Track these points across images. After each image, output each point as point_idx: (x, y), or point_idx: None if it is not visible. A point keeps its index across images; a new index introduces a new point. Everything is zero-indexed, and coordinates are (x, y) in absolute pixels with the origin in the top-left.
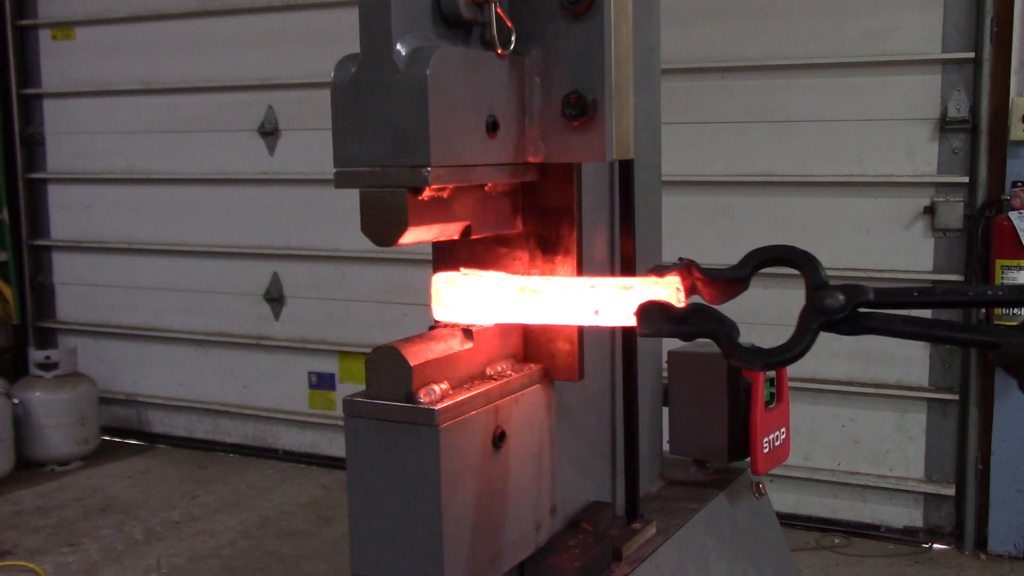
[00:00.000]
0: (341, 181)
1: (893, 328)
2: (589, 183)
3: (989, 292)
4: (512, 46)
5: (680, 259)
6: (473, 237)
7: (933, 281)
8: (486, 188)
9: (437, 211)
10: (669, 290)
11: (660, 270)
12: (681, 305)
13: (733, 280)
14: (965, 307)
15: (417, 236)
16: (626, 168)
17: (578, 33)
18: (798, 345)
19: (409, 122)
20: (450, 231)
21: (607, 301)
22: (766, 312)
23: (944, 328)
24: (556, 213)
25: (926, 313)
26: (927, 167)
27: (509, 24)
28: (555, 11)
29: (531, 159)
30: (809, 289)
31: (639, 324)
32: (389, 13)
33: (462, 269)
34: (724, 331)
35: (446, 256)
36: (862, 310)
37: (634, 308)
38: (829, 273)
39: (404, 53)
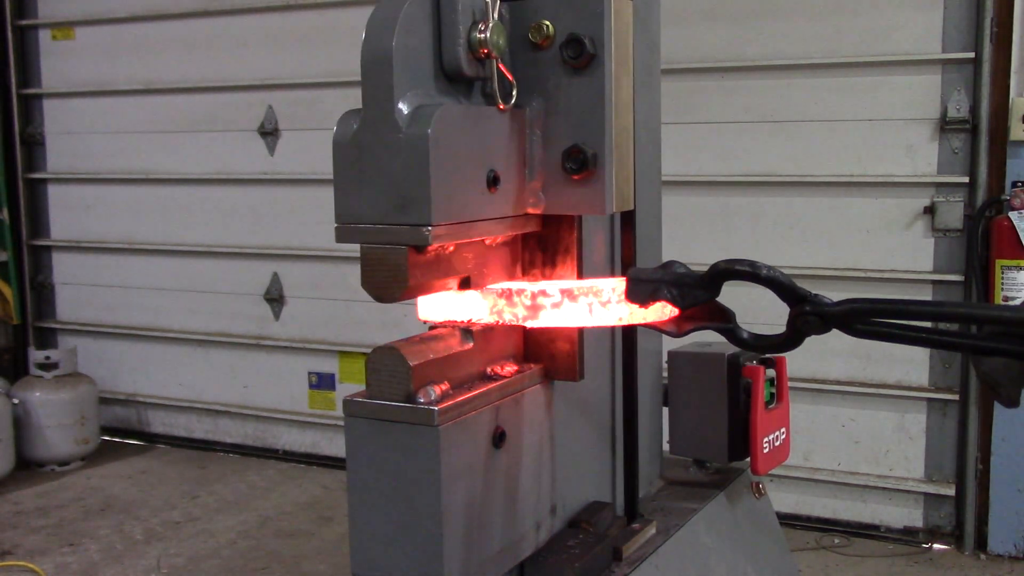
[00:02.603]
0: (342, 236)
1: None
2: None
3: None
4: (513, 100)
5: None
6: (472, 289)
7: (933, 282)
8: (486, 241)
9: (437, 267)
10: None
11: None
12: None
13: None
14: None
15: (418, 292)
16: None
17: (579, 87)
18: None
19: (410, 180)
20: (450, 284)
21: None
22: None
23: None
24: (556, 214)
25: None
26: (927, 167)
27: (511, 78)
28: (556, 65)
29: (531, 210)
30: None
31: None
32: (391, 71)
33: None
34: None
35: None
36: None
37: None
38: (829, 273)
39: (406, 112)
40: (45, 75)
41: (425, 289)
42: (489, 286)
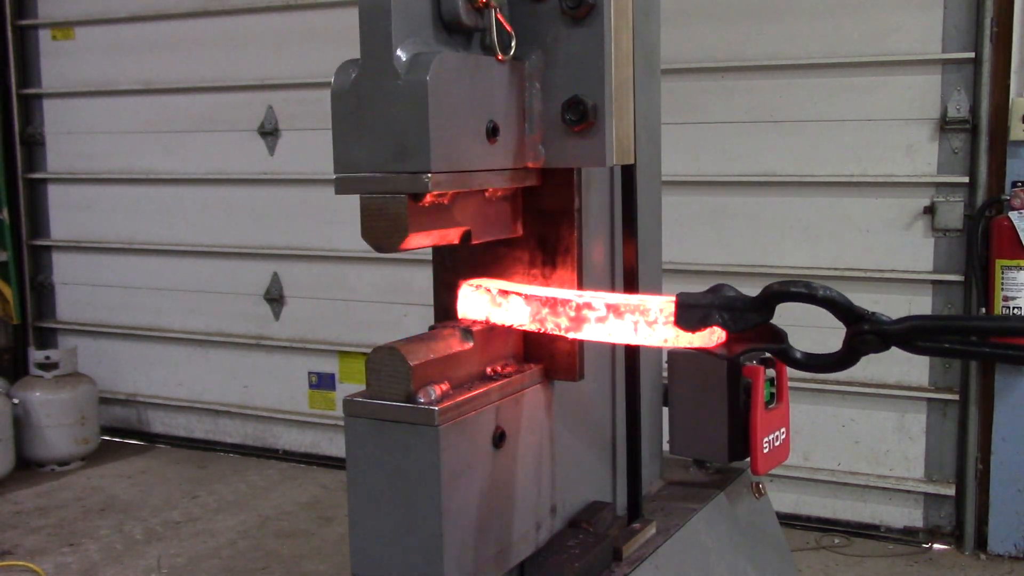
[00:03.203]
0: (341, 187)
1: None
2: (589, 184)
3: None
4: (512, 51)
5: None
6: (474, 242)
7: (933, 282)
8: (486, 193)
9: (437, 217)
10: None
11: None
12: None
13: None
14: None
15: (417, 242)
16: (627, 172)
17: (578, 38)
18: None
19: (409, 128)
20: (450, 236)
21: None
22: None
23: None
24: (556, 215)
25: None
26: (927, 167)
27: (509, 29)
28: (555, 16)
29: (531, 164)
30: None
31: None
32: (389, 19)
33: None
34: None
35: (447, 258)
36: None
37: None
38: (829, 273)
39: (404, 59)
40: (45, 75)
41: (425, 240)
42: (533, 293)
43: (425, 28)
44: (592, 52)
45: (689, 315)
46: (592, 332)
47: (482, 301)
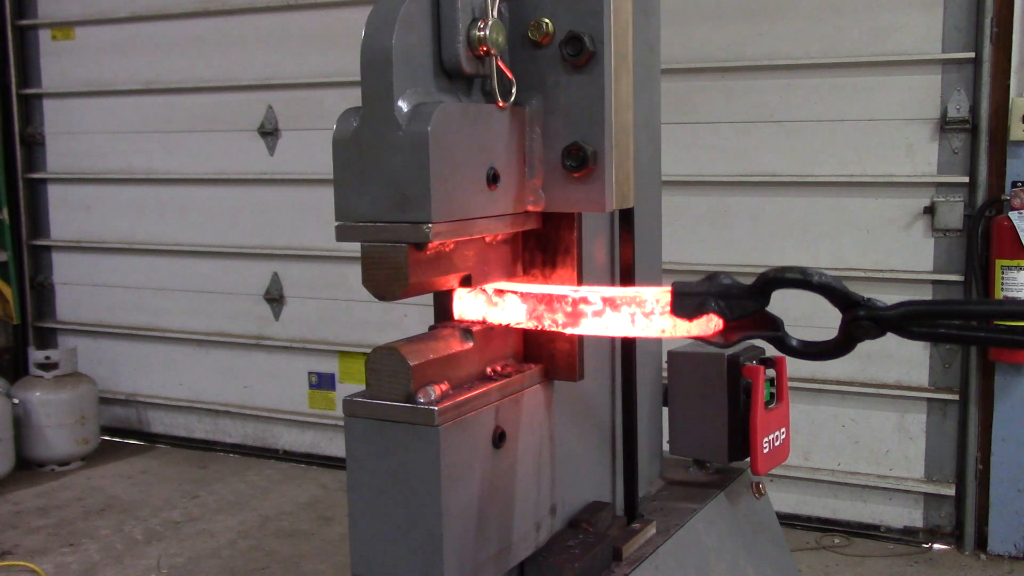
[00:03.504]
0: (342, 235)
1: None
2: None
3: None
4: (513, 98)
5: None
6: (473, 287)
7: (933, 282)
8: (487, 238)
9: (438, 264)
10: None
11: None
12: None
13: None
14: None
15: (419, 290)
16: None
17: (578, 85)
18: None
19: (410, 178)
20: (451, 282)
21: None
22: None
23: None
24: (556, 215)
25: None
26: (927, 167)
27: (510, 76)
28: (556, 62)
29: (531, 208)
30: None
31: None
32: (391, 69)
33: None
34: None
35: None
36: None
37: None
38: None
39: (406, 109)
40: (45, 75)
41: (426, 287)
42: (529, 291)
43: (426, 77)
44: (592, 99)
45: (685, 304)
46: (589, 326)
47: (478, 302)
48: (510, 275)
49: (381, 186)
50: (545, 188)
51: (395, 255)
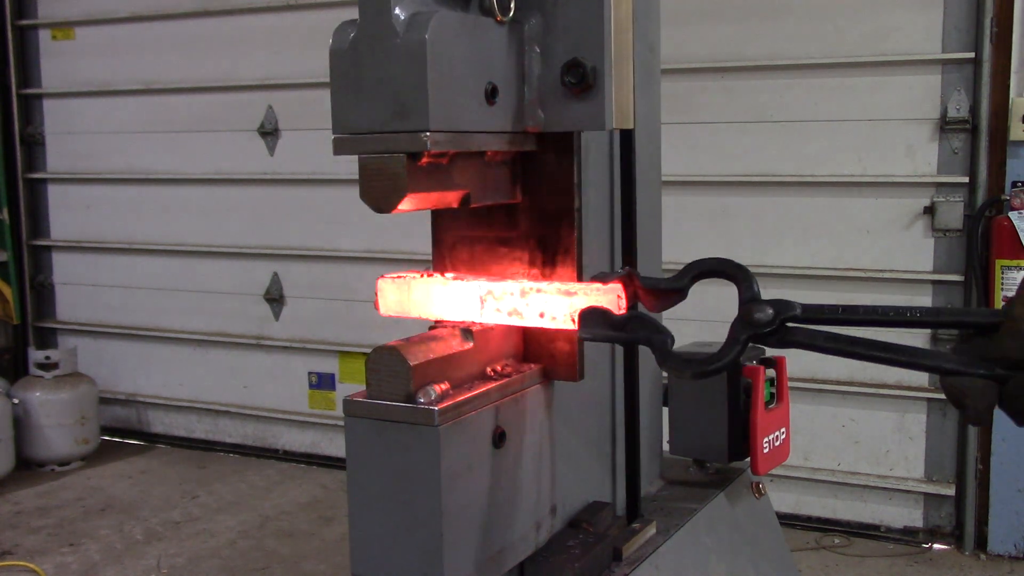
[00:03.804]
0: (340, 147)
1: (815, 344)
2: (589, 184)
3: (908, 314)
4: (511, 13)
5: (623, 267)
6: (472, 205)
7: (933, 282)
8: (485, 156)
9: (436, 178)
10: (610, 297)
11: (603, 277)
12: (621, 312)
13: (672, 290)
14: (883, 326)
15: (416, 203)
16: (627, 171)
17: (577, 1)
18: (727, 355)
19: (408, 87)
20: (449, 199)
21: (551, 305)
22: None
23: (861, 346)
24: (556, 215)
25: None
26: (927, 167)
27: None
28: None
29: (530, 128)
30: (741, 302)
31: (579, 328)
32: None
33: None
34: (660, 339)
35: (445, 256)
36: (790, 324)
37: (575, 312)
38: (829, 273)
39: (403, 18)
40: (45, 75)
41: (424, 202)
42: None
43: None
44: (591, 15)
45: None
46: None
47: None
48: (510, 197)
49: (378, 96)
50: (544, 108)
51: (393, 165)
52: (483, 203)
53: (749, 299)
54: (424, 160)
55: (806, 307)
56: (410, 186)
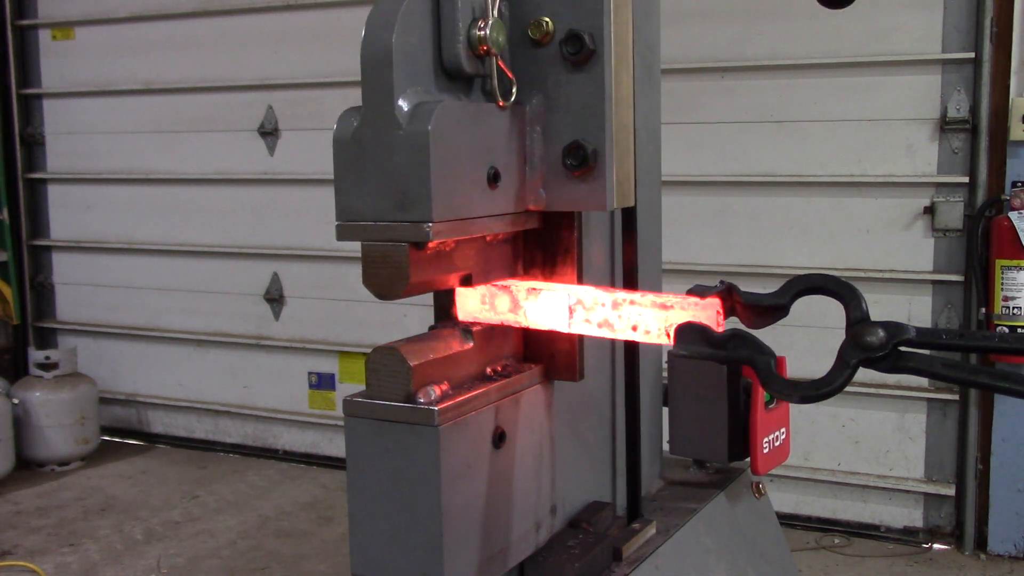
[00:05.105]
0: (343, 234)
1: (933, 370)
2: None
3: None
4: (513, 97)
5: (721, 282)
6: (474, 285)
7: (933, 282)
8: (487, 237)
9: (439, 263)
10: (709, 312)
11: (701, 291)
12: (719, 328)
13: (773, 307)
14: (1003, 354)
15: (420, 289)
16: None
17: (579, 83)
18: (836, 380)
19: (411, 177)
20: (451, 281)
21: (644, 318)
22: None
23: (985, 375)
24: (556, 215)
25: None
26: (927, 167)
27: (510, 75)
28: (556, 61)
29: (532, 207)
30: (849, 323)
31: (675, 344)
32: (391, 68)
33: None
34: (763, 360)
35: None
36: (902, 348)
37: (671, 327)
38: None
39: (406, 109)
40: (45, 75)
41: (426, 286)
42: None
43: (427, 76)
44: (593, 97)
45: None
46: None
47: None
48: (512, 274)
49: (382, 185)
50: (546, 187)
51: (396, 254)
52: (485, 282)
53: (858, 320)
54: (428, 249)
55: (920, 330)
56: (413, 274)
